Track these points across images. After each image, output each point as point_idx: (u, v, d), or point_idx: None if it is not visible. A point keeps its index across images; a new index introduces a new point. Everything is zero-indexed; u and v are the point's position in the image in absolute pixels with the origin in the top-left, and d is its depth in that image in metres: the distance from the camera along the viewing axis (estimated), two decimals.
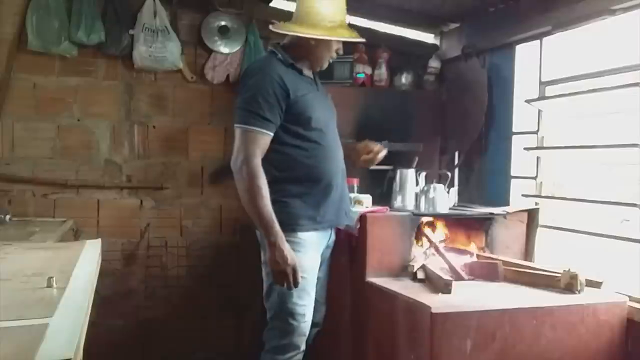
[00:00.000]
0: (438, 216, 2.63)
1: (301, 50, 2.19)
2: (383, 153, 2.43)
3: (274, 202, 2.04)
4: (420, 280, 2.30)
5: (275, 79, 2.08)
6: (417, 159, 2.82)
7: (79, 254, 1.60)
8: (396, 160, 2.86)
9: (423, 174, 2.70)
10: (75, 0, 2.90)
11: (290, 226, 2.09)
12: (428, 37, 3.52)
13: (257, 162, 2.03)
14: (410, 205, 2.65)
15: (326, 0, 2.15)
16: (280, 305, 2.13)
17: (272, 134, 2.08)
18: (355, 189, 2.73)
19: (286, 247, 2.02)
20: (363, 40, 2.29)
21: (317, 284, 2.23)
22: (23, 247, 1.82)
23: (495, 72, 2.97)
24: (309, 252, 2.15)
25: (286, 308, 2.12)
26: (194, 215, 3.28)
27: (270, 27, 2.26)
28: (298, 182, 2.14)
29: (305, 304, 2.15)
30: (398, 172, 2.71)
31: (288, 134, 2.12)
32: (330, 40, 2.17)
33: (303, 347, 2.19)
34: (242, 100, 2.09)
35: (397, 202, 2.67)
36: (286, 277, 2.02)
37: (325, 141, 2.20)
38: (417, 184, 2.68)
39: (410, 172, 2.69)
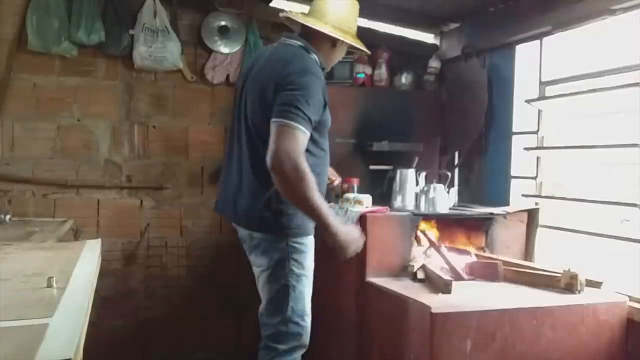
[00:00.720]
0: (438, 216, 2.63)
1: (322, 51, 2.15)
2: (337, 182, 2.53)
3: (283, 207, 2.03)
4: (420, 280, 2.30)
5: (322, 85, 2.02)
6: (417, 159, 2.82)
7: (79, 254, 1.60)
8: (396, 160, 2.86)
9: (423, 174, 2.70)
10: (75, 0, 2.90)
11: (300, 229, 2.08)
12: (428, 37, 3.52)
13: (304, 160, 1.91)
14: (410, 205, 2.65)
15: (355, 11, 2.21)
16: (293, 307, 2.10)
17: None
18: (355, 189, 2.73)
19: (345, 227, 2.06)
20: (369, 53, 2.40)
21: None
22: (23, 247, 1.82)
23: (495, 72, 2.97)
24: (311, 255, 2.17)
25: (298, 310, 2.11)
26: (194, 215, 3.28)
27: (300, 19, 2.18)
28: None
29: (309, 303, 2.18)
30: (398, 172, 2.71)
31: (310, 140, 2.02)
32: (344, 48, 2.21)
33: (307, 344, 2.19)
34: (292, 98, 1.93)
35: (397, 202, 2.67)
36: (357, 251, 2.07)
37: (327, 149, 2.18)
38: (417, 184, 2.68)
39: (410, 172, 2.69)
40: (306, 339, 2.16)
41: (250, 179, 2.09)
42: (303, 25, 2.16)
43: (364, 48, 2.25)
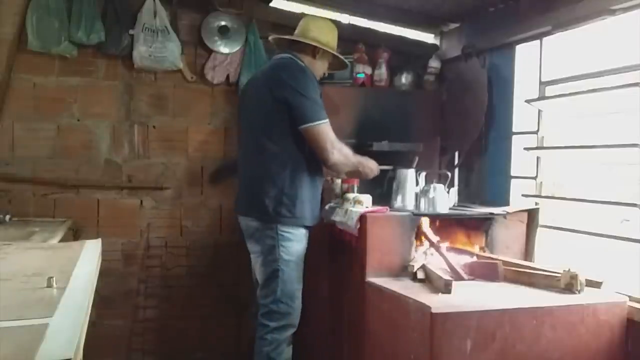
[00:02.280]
0: (438, 216, 2.63)
1: (306, 61, 2.51)
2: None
3: (285, 197, 2.37)
4: (420, 280, 2.29)
5: (317, 86, 2.45)
6: (417, 159, 2.82)
7: (79, 254, 1.60)
8: (396, 160, 2.86)
9: (423, 174, 2.70)
10: (75, 0, 2.90)
11: (294, 219, 2.41)
12: (428, 37, 3.52)
13: (337, 143, 2.43)
14: (410, 205, 2.65)
15: (333, 31, 2.63)
16: (282, 289, 2.41)
17: None
18: (355, 189, 2.74)
19: (365, 161, 2.60)
20: (348, 66, 2.86)
21: None
22: (23, 247, 1.82)
23: (495, 72, 2.97)
24: (303, 244, 2.47)
25: (288, 291, 2.42)
26: (194, 215, 3.29)
27: (286, 36, 2.61)
28: (307, 183, 2.45)
29: (301, 287, 2.48)
30: (398, 172, 2.70)
31: (303, 143, 2.43)
32: (327, 61, 2.61)
33: (297, 323, 2.49)
34: (299, 100, 2.35)
35: (397, 202, 2.67)
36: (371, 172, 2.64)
37: None
38: (417, 184, 2.68)
39: (410, 172, 2.69)
40: (295, 319, 2.46)
41: (255, 171, 2.45)
42: (290, 44, 2.58)
43: (341, 57, 2.63)
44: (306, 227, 2.48)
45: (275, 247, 2.40)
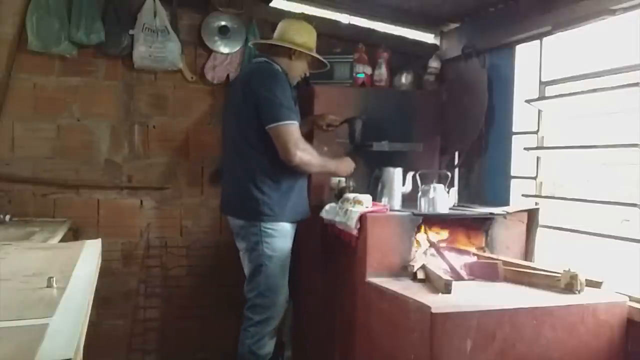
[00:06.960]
0: (438, 216, 2.63)
1: (283, 63, 2.62)
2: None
3: (262, 193, 2.50)
4: (420, 280, 2.29)
5: (287, 87, 2.54)
6: (373, 144, 2.87)
7: (79, 254, 1.60)
8: (396, 160, 2.85)
9: (411, 174, 2.68)
10: (75, 0, 2.90)
11: (272, 215, 2.52)
12: (428, 37, 3.52)
13: (302, 144, 2.49)
14: (397, 205, 2.65)
15: (310, 32, 2.71)
16: (266, 283, 2.54)
17: None
18: (346, 183, 2.78)
19: (337, 161, 2.72)
20: (328, 67, 2.83)
21: None
22: (23, 247, 1.82)
23: (495, 72, 2.97)
24: (287, 239, 2.59)
25: (272, 285, 2.54)
26: (194, 215, 3.29)
27: (264, 40, 2.71)
28: (288, 183, 2.56)
29: (285, 283, 2.60)
30: (384, 171, 2.70)
31: None
32: (305, 61, 2.69)
33: (280, 317, 2.62)
34: (268, 102, 2.44)
35: (383, 202, 2.65)
36: (349, 169, 2.74)
37: None
38: (403, 183, 2.67)
39: (397, 172, 2.68)
40: (278, 312, 2.59)
41: (237, 172, 2.57)
42: (269, 47, 2.69)
43: (320, 57, 2.70)
44: (291, 223, 2.59)
45: (259, 244, 2.52)
